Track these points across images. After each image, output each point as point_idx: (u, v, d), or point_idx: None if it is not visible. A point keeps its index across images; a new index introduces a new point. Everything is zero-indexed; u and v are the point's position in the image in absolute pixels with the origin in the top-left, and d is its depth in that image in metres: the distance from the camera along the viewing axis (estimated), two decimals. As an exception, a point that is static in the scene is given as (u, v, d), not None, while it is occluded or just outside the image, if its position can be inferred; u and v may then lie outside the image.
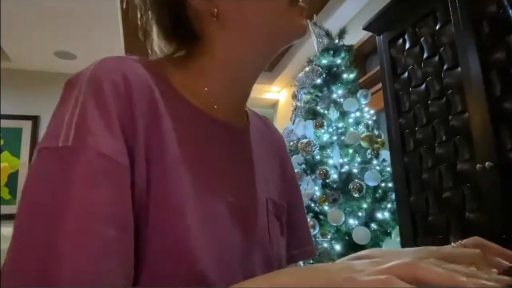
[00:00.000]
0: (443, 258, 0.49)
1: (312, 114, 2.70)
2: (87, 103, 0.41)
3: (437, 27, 1.74)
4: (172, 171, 0.45)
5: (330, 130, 2.60)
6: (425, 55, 1.80)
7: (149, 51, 0.59)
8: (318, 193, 2.46)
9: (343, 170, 2.48)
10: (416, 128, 1.83)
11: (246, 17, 0.53)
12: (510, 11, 1.42)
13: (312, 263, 2.33)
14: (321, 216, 2.42)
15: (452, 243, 0.55)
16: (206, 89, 0.54)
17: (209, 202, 0.48)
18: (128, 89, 0.44)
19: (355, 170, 2.46)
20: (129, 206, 0.40)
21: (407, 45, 1.91)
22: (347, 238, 2.32)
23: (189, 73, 0.54)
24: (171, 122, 0.48)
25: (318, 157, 2.55)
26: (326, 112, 2.64)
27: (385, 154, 2.45)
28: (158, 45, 0.59)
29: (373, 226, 2.32)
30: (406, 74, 1.91)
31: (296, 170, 2.56)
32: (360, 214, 2.38)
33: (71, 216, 0.36)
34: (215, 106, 0.54)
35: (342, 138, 2.55)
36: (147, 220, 0.43)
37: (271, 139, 0.69)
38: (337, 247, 2.32)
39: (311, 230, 2.34)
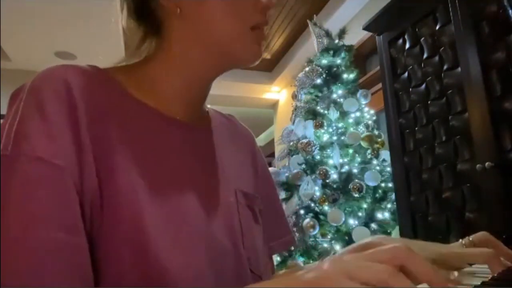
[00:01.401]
0: (455, 257, 0.49)
1: (312, 114, 2.70)
2: (27, 111, 0.42)
3: (437, 27, 1.74)
4: (123, 172, 0.45)
5: (330, 130, 2.60)
6: (425, 55, 1.80)
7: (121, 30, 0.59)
8: (318, 193, 2.46)
9: (343, 170, 2.48)
10: (416, 128, 1.83)
11: (204, 29, 0.52)
12: (510, 11, 1.42)
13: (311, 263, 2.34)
14: (321, 216, 2.42)
15: (461, 240, 0.54)
16: (159, 90, 0.54)
17: (168, 198, 0.48)
18: (70, 95, 0.44)
19: (355, 170, 2.46)
20: (73, 206, 0.40)
21: (407, 45, 1.91)
22: (347, 238, 2.32)
23: (143, 77, 0.54)
24: (122, 123, 0.48)
25: (318, 157, 2.55)
26: (326, 112, 2.64)
27: (385, 154, 2.45)
28: (125, 24, 0.58)
29: (373, 226, 2.32)
30: (406, 74, 1.92)
31: (296, 170, 2.57)
32: (360, 214, 2.38)
33: (10, 225, 0.36)
34: (170, 107, 0.54)
35: (342, 138, 2.55)
36: (102, 221, 0.42)
37: (238, 135, 0.69)
38: (337, 247, 2.32)
39: (311, 230, 2.34)
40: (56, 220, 0.38)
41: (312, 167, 2.52)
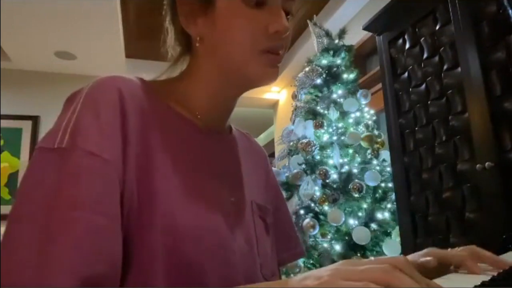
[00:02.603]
0: (437, 256, 0.56)
1: (312, 114, 2.69)
2: (83, 112, 0.48)
3: (437, 27, 1.74)
4: (160, 175, 0.50)
5: (330, 130, 2.60)
6: (425, 55, 1.80)
7: (166, 49, 0.65)
8: (318, 193, 2.46)
9: (343, 170, 2.48)
10: (416, 128, 1.83)
11: (221, 54, 0.57)
12: (510, 11, 1.42)
13: (311, 263, 2.33)
14: (321, 216, 2.42)
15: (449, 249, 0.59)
16: (189, 104, 0.60)
17: (200, 201, 0.53)
18: (122, 103, 0.50)
19: (355, 170, 2.45)
20: (116, 197, 0.45)
21: (407, 45, 1.91)
22: (347, 238, 2.32)
23: (177, 91, 0.61)
24: (163, 131, 0.54)
25: (318, 157, 2.55)
26: (326, 112, 2.64)
27: (385, 154, 2.44)
28: (170, 43, 0.64)
29: (373, 226, 2.32)
30: (406, 74, 1.91)
31: (296, 170, 2.57)
32: (360, 214, 2.38)
33: (58, 205, 0.40)
34: (201, 119, 0.60)
35: (342, 138, 2.55)
36: (139, 217, 0.47)
37: (254, 152, 0.75)
38: (337, 247, 2.32)
39: (311, 230, 2.34)
40: (99, 205, 0.42)
41: (312, 167, 2.52)
